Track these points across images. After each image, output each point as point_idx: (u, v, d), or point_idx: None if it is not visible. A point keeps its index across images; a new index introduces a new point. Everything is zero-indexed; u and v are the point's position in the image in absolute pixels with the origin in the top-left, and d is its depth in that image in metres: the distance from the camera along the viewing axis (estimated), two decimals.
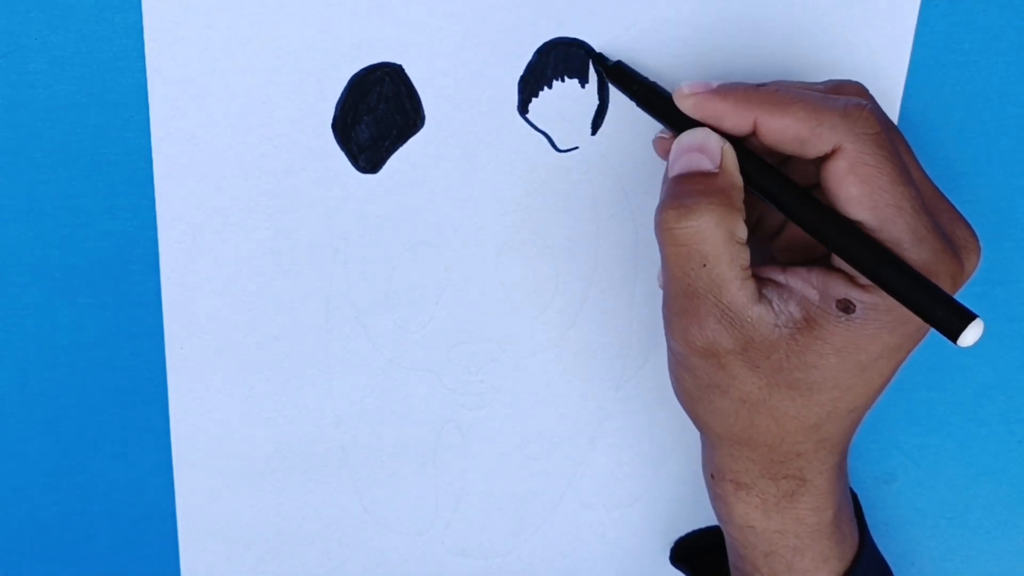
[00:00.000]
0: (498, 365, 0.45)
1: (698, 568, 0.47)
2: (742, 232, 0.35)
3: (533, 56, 0.40)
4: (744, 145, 0.36)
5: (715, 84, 0.36)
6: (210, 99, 0.39)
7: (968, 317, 0.32)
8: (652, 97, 0.38)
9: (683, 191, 0.35)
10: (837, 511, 0.39)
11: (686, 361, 0.37)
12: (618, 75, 0.40)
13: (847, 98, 0.35)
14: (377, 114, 0.40)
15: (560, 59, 0.40)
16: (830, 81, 0.38)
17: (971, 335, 0.32)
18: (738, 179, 0.36)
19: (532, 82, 0.41)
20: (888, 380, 0.37)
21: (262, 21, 0.38)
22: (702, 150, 0.36)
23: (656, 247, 0.37)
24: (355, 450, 0.46)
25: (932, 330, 0.37)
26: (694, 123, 0.37)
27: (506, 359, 0.45)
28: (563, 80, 0.41)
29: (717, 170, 0.35)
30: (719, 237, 0.35)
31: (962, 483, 0.50)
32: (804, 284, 0.36)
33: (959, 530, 0.51)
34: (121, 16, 0.38)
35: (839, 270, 0.36)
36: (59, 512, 0.46)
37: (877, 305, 0.35)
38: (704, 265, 0.35)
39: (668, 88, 0.38)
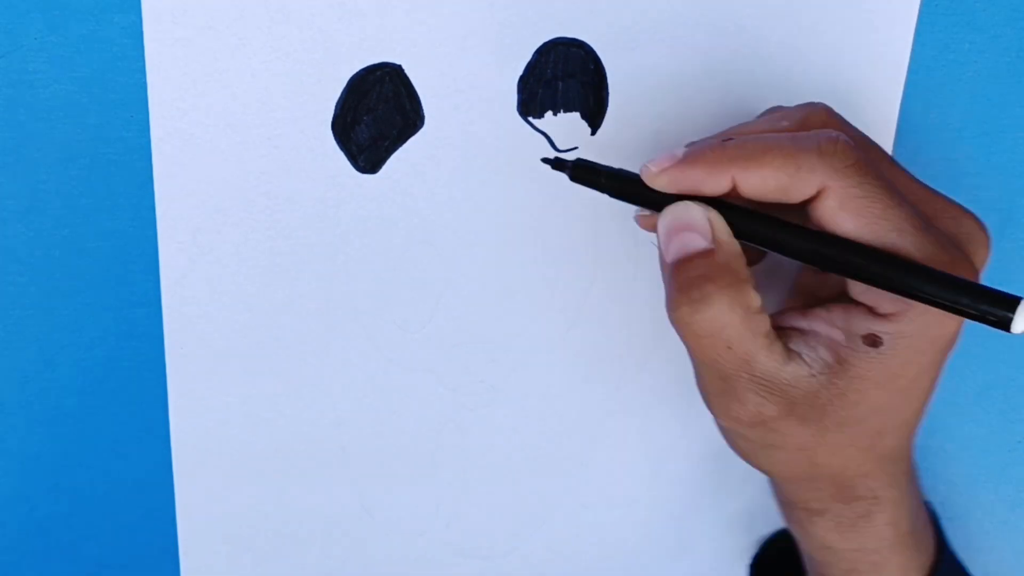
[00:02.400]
0: (498, 365, 0.45)
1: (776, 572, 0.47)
2: (756, 302, 0.35)
3: (533, 56, 0.40)
4: (728, 202, 0.35)
5: (680, 152, 0.35)
6: (210, 99, 0.39)
7: (1013, 301, 0.31)
8: (623, 184, 0.36)
9: (687, 282, 0.34)
10: (913, 520, 0.39)
11: (735, 431, 0.37)
12: (582, 172, 0.37)
13: (818, 132, 0.34)
14: (377, 114, 0.40)
15: (560, 59, 0.40)
16: (797, 108, 0.37)
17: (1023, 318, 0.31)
18: (735, 247, 0.35)
19: (532, 82, 0.41)
20: (932, 390, 0.37)
21: (262, 21, 0.38)
22: (690, 228, 0.35)
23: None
24: (355, 450, 0.46)
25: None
26: (671, 197, 0.35)
27: (506, 359, 0.45)
28: (563, 80, 0.41)
29: (712, 246, 0.34)
30: (736, 319, 0.34)
31: (962, 483, 0.50)
32: (827, 326, 0.35)
33: (959, 530, 0.51)
34: (121, 16, 0.38)
35: (858, 303, 0.35)
36: (59, 512, 0.46)
37: (903, 332, 0.34)
38: (729, 348, 0.34)
39: (634, 169, 0.36)
